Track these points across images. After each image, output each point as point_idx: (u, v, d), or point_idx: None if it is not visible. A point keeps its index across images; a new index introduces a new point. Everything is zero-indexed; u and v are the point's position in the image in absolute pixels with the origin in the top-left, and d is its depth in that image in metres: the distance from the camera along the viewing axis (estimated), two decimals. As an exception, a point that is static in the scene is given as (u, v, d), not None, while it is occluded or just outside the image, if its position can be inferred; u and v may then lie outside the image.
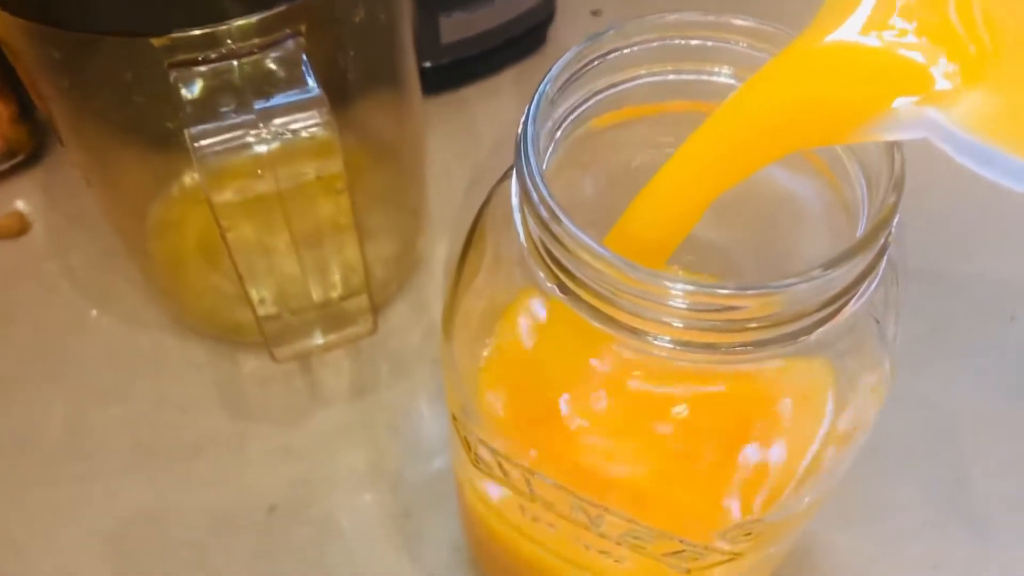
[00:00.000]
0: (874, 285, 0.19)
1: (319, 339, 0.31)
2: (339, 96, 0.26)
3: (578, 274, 0.18)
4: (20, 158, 0.42)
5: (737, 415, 0.20)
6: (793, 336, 0.18)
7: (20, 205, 0.42)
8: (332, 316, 0.31)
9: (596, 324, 0.19)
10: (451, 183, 0.43)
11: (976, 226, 0.41)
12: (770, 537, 0.22)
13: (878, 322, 0.21)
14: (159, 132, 0.32)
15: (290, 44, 0.25)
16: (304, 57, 0.25)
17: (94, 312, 0.39)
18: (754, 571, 0.24)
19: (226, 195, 0.25)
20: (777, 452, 0.21)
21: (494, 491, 0.25)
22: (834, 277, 0.18)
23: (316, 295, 0.30)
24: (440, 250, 0.41)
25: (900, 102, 0.17)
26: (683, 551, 0.22)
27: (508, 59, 0.46)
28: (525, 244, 0.20)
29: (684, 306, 0.17)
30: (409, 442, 0.36)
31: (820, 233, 0.24)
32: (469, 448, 0.24)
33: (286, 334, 0.31)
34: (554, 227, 0.18)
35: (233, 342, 0.38)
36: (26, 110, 0.41)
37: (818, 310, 0.18)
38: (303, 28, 0.26)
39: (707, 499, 0.21)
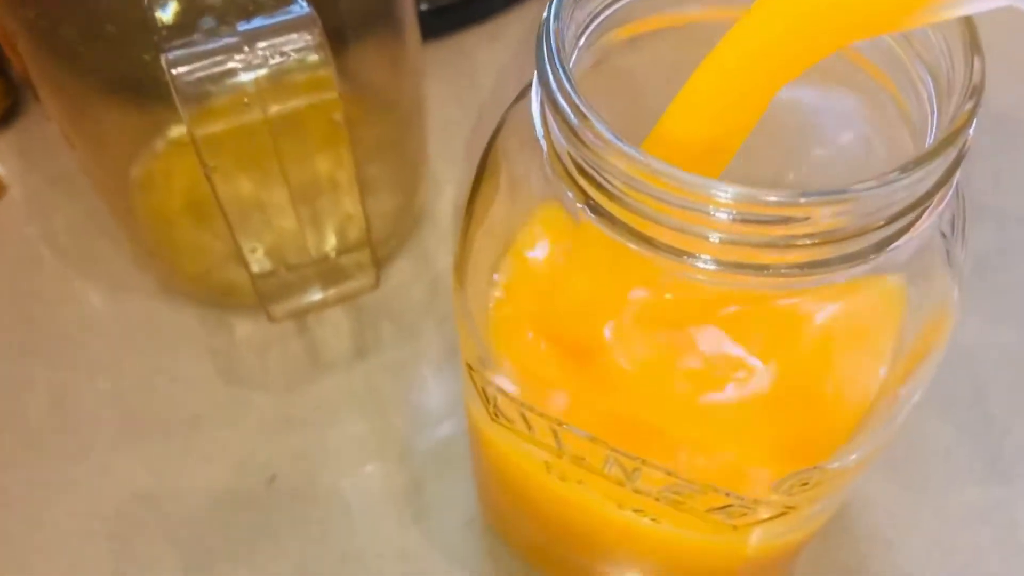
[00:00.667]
0: (948, 197, 0.17)
1: (317, 295, 0.29)
2: (332, 38, 0.23)
3: (612, 188, 0.16)
4: (-7, 119, 0.40)
5: (795, 348, 0.18)
6: (861, 255, 0.16)
7: (-5, 168, 0.39)
8: (331, 270, 0.29)
9: (633, 246, 0.16)
10: (452, 133, 0.40)
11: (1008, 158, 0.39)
12: (829, 487, 0.20)
13: (946, 238, 0.19)
14: (139, 80, 0.30)
15: (274, -42, 0.22)
16: (291, -28, 0.22)
17: (77, 279, 0.37)
18: (804, 527, 0.22)
19: (209, 128, 0.22)
20: (840, 388, 0.18)
21: (516, 448, 0.22)
22: (909, 183, 0.15)
23: (313, 247, 0.27)
24: (443, 203, 0.39)
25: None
26: (730, 506, 0.20)
27: (507, 1, 0.43)
28: (549, 163, 0.18)
29: (737, 219, 0.15)
30: (416, 407, 0.34)
31: (869, 158, 0.22)
32: (487, 401, 0.22)
33: (282, 291, 0.28)
34: (585, 134, 0.16)
35: (226, 306, 0.36)
36: (1, 69, 0.39)
37: (887, 224, 0.16)
38: (288, -56, 0.23)
39: (760, 445, 0.19)
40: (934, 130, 0.17)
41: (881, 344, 0.19)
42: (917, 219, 0.16)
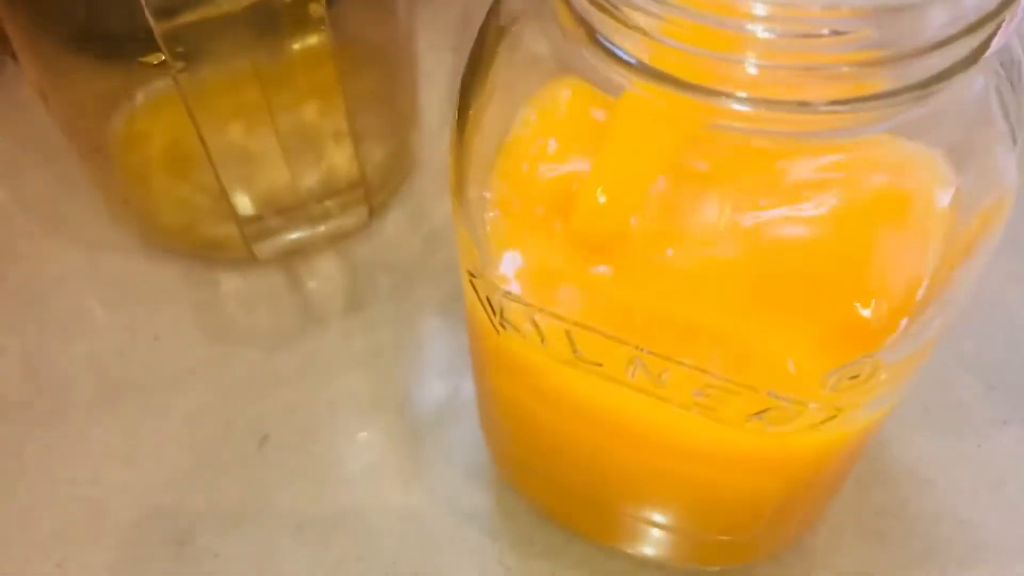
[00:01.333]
0: (1006, 38, 0.15)
1: (306, 232, 0.27)
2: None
3: (635, 23, 0.14)
4: (-40, 81, 0.38)
5: (837, 219, 0.16)
6: (909, 90, 0.14)
7: (-37, 130, 0.37)
8: (322, 210, 0.26)
9: (661, 87, 0.14)
10: (444, 81, 0.38)
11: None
12: (881, 383, 0.17)
13: (1005, 112, 0.17)
14: (116, 29, 0.28)
15: None
16: None
17: (51, 239, 0.35)
18: (853, 438, 0.20)
19: (169, 22, 0.20)
20: (889, 265, 0.16)
21: (526, 364, 0.20)
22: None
23: (302, 184, 0.25)
24: (436, 152, 0.36)
25: None
26: (770, 409, 0.18)
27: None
28: (561, 23, 0.16)
29: (773, 34, 0.13)
30: (414, 360, 0.32)
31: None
32: (493, 312, 0.19)
33: (269, 231, 0.26)
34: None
35: (210, 260, 0.34)
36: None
37: (938, 46, 0.14)
38: None
39: (804, 333, 0.16)
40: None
41: (930, 219, 0.16)
42: (975, 53, 0.14)
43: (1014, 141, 0.17)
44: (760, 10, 0.13)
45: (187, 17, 0.20)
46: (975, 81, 0.15)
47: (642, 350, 0.17)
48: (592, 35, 0.15)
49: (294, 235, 0.27)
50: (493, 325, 0.20)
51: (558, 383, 0.20)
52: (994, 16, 0.14)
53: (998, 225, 0.18)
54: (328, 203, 0.26)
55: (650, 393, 0.18)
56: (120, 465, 0.30)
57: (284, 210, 0.26)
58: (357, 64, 0.31)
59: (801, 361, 0.17)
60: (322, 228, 0.27)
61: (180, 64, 0.21)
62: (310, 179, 0.26)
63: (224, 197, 0.25)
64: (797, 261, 0.16)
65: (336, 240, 0.28)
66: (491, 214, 0.19)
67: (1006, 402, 0.29)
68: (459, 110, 0.19)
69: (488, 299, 0.19)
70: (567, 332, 0.18)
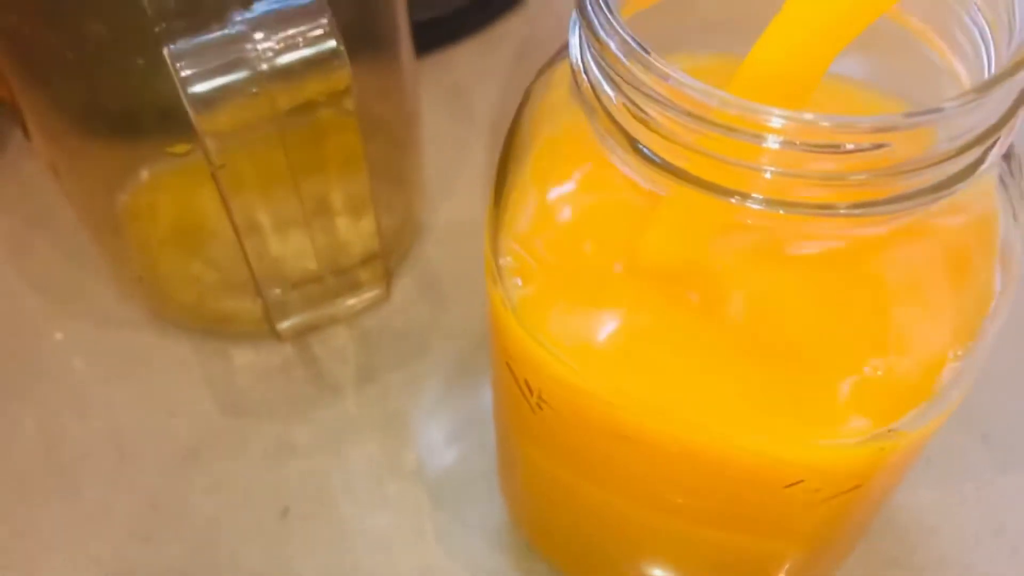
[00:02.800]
0: (1010, 140, 0.16)
1: (327, 309, 0.27)
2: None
3: (670, 132, 0.15)
4: (-36, 160, 0.38)
5: (874, 285, 0.17)
6: (926, 192, 0.15)
7: (-31, 209, 0.37)
8: (341, 285, 0.27)
9: (669, 181, 0.15)
10: (445, 147, 0.39)
11: None
12: (909, 446, 0.19)
13: (1005, 186, 0.18)
14: (127, 103, 0.29)
15: (278, -57, 0.21)
16: (296, -44, 0.21)
17: (61, 316, 0.35)
18: (878, 495, 0.21)
19: (216, 124, 0.21)
20: (913, 339, 0.17)
21: (563, 438, 0.21)
22: (986, 103, 0.15)
23: (323, 260, 0.26)
24: (440, 217, 0.37)
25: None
26: (803, 480, 0.19)
27: (490, 16, 0.43)
28: (593, 116, 0.17)
29: (812, 149, 0.14)
30: (429, 426, 0.32)
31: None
32: (530, 392, 0.20)
33: (289, 307, 0.27)
34: (641, 72, 0.15)
35: (222, 334, 0.34)
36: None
37: (957, 155, 0.15)
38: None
39: (835, 406, 0.18)
40: (991, 63, 0.17)
41: (938, 296, 0.18)
42: (984, 153, 0.16)
43: (1015, 219, 0.18)
44: (790, 129, 0.14)
45: (228, 116, 0.21)
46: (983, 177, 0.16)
47: (680, 426, 0.18)
48: (634, 144, 0.16)
49: (317, 311, 0.27)
50: (529, 404, 0.21)
51: (595, 455, 0.21)
52: (999, 127, 0.15)
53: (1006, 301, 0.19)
54: (349, 277, 0.27)
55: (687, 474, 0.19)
56: (139, 540, 0.30)
57: (308, 286, 0.27)
58: (374, 139, 0.32)
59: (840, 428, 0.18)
60: (343, 303, 0.28)
61: (219, 161, 0.22)
62: (334, 254, 0.26)
63: (249, 275, 0.26)
64: (825, 334, 0.17)
65: (357, 314, 0.29)
66: (526, 289, 0.19)
67: (1000, 451, 0.31)
68: (495, 194, 0.20)
69: (526, 381, 0.20)
70: (605, 411, 0.19)
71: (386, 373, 0.33)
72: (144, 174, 0.34)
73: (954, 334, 0.17)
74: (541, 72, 0.21)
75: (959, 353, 0.17)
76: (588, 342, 0.18)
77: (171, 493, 0.31)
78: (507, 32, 0.43)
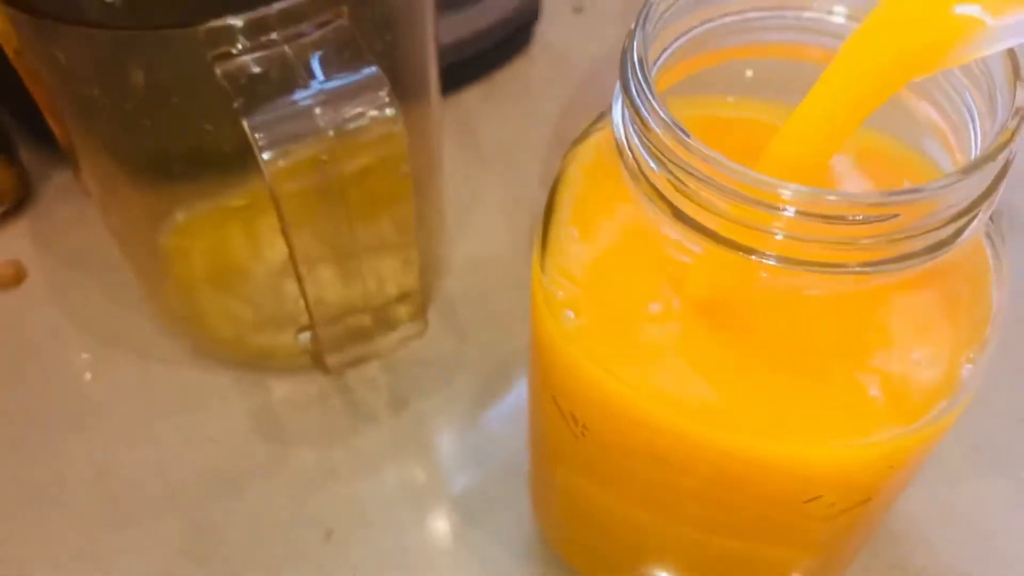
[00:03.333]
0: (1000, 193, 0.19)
1: (372, 344, 0.30)
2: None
3: (705, 201, 0.18)
4: (6, 207, 0.40)
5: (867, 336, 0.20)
6: (926, 252, 0.18)
7: (13, 253, 0.39)
8: (384, 320, 0.30)
9: (731, 251, 0.18)
10: (458, 186, 0.42)
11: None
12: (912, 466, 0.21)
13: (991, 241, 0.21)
14: (179, 154, 0.31)
15: (340, 24, 0.24)
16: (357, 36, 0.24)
17: (107, 352, 0.37)
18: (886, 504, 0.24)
19: (288, 186, 0.23)
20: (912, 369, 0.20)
21: (605, 463, 0.23)
22: (966, 184, 0.17)
23: (371, 298, 0.28)
24: (458, 253, 0.40)
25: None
26: (822, 496, 0.21)
27: (499, 60, 0.46)
28: (638, 183, 0.19)
29: (808, 216, 0.17)
30: (458, 449, 0.35)
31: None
32: (575, 422, 0.23)
33: (338, 342, 0.29)
34: (680, 151, 0.17)
35: (260, 368, 0.36)
36: (14, 156, 0.39)
37: (949, 222, 0.18)
38: (345, 11, 0.25)
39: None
40: (978, 144, 0.19)
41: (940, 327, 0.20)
42: (968, 222, 0.18)
43: (998, 258, 0.21)
44: (808, 203, 0.17)
45: (298, 179, 0.24)
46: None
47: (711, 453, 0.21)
48: (675, 210, 0.19)
49: (364, 345, 0.30)
50: (572, 433, 0.23)
51: (633, 476, 0.23)
52: (989, 194, 0.18)
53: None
54: (391, 313, 0.30)
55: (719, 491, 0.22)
56: (190, 562, 0.32)
57: (356, 323, 0.29)
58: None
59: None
60: (387, 337, 0.30)
61: (288, 215, 0.24)
62: (380, 292, 0.29)
63: (305, 311, 0.28)
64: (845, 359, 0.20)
65: (395, 348, 0.32)
66: (578, 321, 0.22)
67: (990, 460, 0.33)
68: (542, 240, 0.23)
69: (572, 414, 0.23)
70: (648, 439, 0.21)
71: (416, 401, 0.36)
72: (184, 216, 0.36)
73: (967, 339, 0.20)
74: (585, 135, 0.24)
75: (971, 356, 0.20)
76: (635, 365, 0.20)
77: (218, 518, 0.33)
78: (512, 76, 0.46)
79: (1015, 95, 0.18)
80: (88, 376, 0.37)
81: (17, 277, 0.39)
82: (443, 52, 0.42)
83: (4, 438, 0.35)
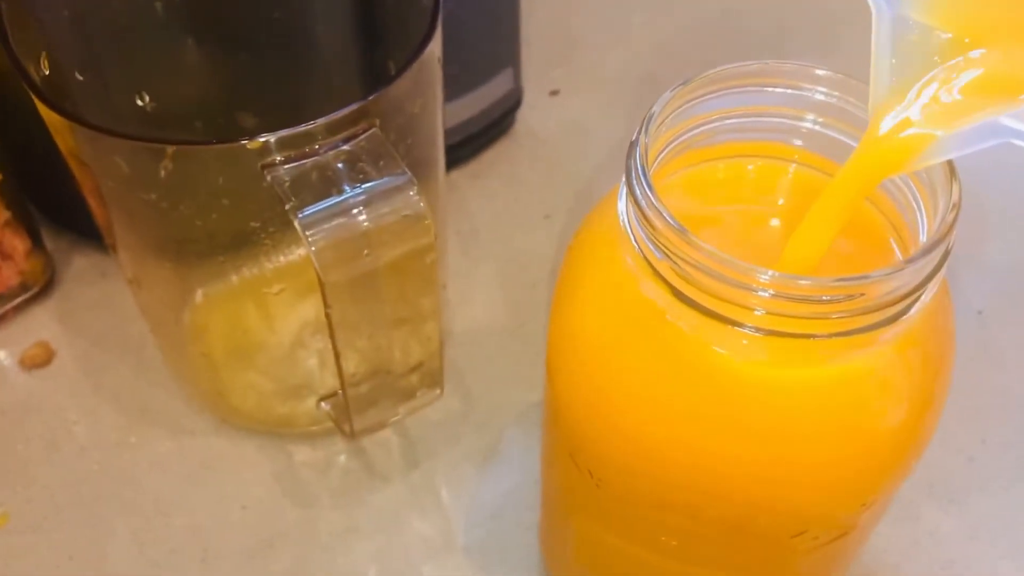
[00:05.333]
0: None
1: (396, 409, 0.33)
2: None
3: (702, 284, 0.22)
4: (34, 291, 0.43)
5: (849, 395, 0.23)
6: (888, 321, 0.22)
7: (41, 335, 0.42)
8: (405, 387, 0.33)
9: (687, 309, 0.22)
10: (456, 259, 0.45)
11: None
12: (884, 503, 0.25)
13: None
14: (198, 240, 0.34)
15: (374, 134, 0.28)
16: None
17: (138, 428, 0.40)
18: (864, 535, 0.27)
19: (335, 276, 0.27)
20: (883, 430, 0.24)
21: (615, 515, 0.27)
22: (911, 270, 0.21)
23: (396, 367, 0.32)
24: (459, 322, 0.43)
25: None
26: (807, 531, 0.25)
27: (485, 143, 0.50)
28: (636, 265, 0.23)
29: (780, 296, 0.21)
30: (470, 504, 0.38)
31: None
32: (591, 475, 0.26)
33: (363, 408, 0.33)
34: (679, 242, 0.21)
35: (281, 435, 0.39)
36: (38, 242, 0.42)
37: (899, 301, 0.22)
38: (376, 122, 0.28)
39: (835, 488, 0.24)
40: (925, 234, 0.23)
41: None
42: (918, 297, 0.22)
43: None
44: (766, 279, 0.21)
45: (343, 270, 0.27)
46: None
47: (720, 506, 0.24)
48: (678, 293, 0.22)
49: (388, 411, 0.33)
50: (588, 487, 0.27)
51: (645, 523, 0.26)
52: (939, 268, 0.22)
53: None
54: (410, 380, 0.33)
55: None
56: (228, 623, 0.35)
57: (381, 389, 0.32)
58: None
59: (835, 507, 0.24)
60: (405, 405, 0.33)
61: (333, 302, 0.27)
62: (403, 361, 0.32)
63: (322, 378, 0.32)
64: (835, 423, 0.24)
65: (413, 413, 0.35)
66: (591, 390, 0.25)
67: (946, 494, 0.37)
68: (555, 318, 0.26)
69: (590, 470, 0.26)
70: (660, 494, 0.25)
71: (428, 461, 0.39)
72: (204, 293, 0.39)
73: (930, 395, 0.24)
74: (588, 223, 0.27)
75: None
76: (648, 430, 0.24)
77: (253, 578, 0.36)
78: (497, 156, 0.50)
79: (951, 192, 0.22)
80: (124, 450, 0.39)
81: (46, 358, 0.41)
82: (437, 137, 0.46)
83: (45, 512, 0.37)
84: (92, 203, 0.33)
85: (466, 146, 0.49)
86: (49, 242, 0.44)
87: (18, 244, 0.41)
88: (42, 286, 0.43)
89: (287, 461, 0.39)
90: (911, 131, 0.21)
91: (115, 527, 0.37)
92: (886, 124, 0.22)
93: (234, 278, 0.40)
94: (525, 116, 0.51)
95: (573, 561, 0.32)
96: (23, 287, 0.42)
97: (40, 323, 0.43)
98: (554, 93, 0.53)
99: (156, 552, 0.36)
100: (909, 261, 0.21)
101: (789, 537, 0.25)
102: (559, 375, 0.26)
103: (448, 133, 0.47)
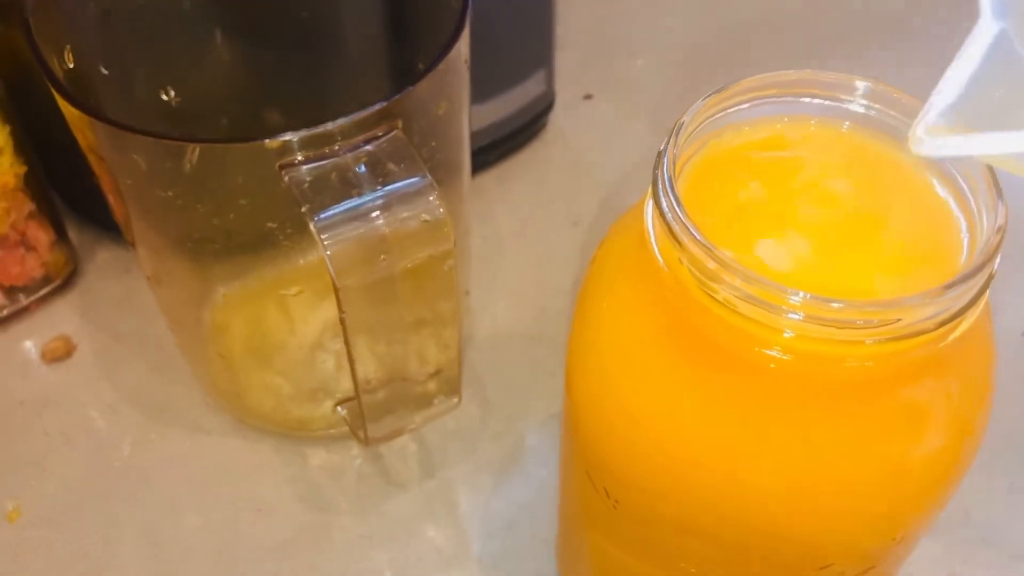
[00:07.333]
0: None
1: (412, 417, 0.32)
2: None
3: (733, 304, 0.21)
4: (57, 283, 0.43)
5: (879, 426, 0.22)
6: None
7: (63, 328, 0.42)
8: (422, 394, 0.32)
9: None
10: (480, 264, 0.45)
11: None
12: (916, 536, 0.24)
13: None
14: (218, 239, 0.34)
15: (396, 136, 0.27)
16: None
17: (154, 426, 0.39)
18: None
19: (350, 281, 0.26)
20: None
21: (631, 535, 0.26)
22: (946, 298, 0.20)
23: (414, 374, 0.31)
24: (481, 329, 0.43)
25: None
26: (832, 565, 0.24)
27: (515, 147, 0.49)
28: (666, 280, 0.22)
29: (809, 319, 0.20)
30: (485, 515, 0.37)
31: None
32: (607, 495, 0.25)
33: (380, 414, 0.32)
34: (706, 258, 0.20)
35: (298, 438, 0.39)
36: (63, 235, 0.42)
37: (938, 327, 0.21)
38: (399, 123, 0.28)
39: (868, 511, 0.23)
40: (967, 254, 0.22)
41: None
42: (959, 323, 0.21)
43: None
44: (817, 309, 0.19)
45: (358, 274, 0.26)
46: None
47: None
48: (705, 310, 0.21)
49: (403, 418, 0.32)
50: (605, 506, 0.26)
51: (661, 544, 0.25)
52: (981, 293, 0.21)
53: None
54: (428, 387, 0.32)
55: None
56: (237, 627, 0.34)
57: (398, 396, 0.32)
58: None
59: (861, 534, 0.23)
60: (422, 413, 0.33)
61: (347, 307, 0.27)
62: (421, 368, 0.31)
63: (340, 382, 0.31)
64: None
65: (430, 421, 0.34)
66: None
67: (984, 524, 0.36)
68: (578, 326, 0.26)
69: (606, 489, 0.25)
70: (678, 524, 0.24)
71: (444, 469, 0.38)
72: (225, 292, 0.39)
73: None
74: (614, 232, 0.26)
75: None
76: (668, 452, 0.23)
77: (264, 582, 0.35)
78: (527, 160, 0.49)
79: (997, 214, 0.21)
80: (139, 449, 0.39)
81: (67, 351, 0.41)
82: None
83: (58, 506, 0.37)
84: (111, 199, 0.32)
85: (495, 149, 0.48)
86: (73, 235, 0.44)
87: (42, 236, 0.41)
88: (65, 279, 0.43)
89: (302, 464, 0.38)
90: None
91: (128, 525, 0.37)
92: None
93: (253, 278, 0.39)
94: (557, 120, 0.51)
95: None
96: (46, 279, 0.42)
97: (62, 316, 0.43)
98: (588, 97, 0.52)
99: (169, 552, 0.36)
100: (949, 286, 0.20)
101: (814, 570, 0.24)
102: (577, 387, 0.25)
103: (476, 136, 0.46)
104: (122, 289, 0.44)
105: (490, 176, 0.48)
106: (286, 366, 0.40)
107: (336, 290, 0.27)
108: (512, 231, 0.47)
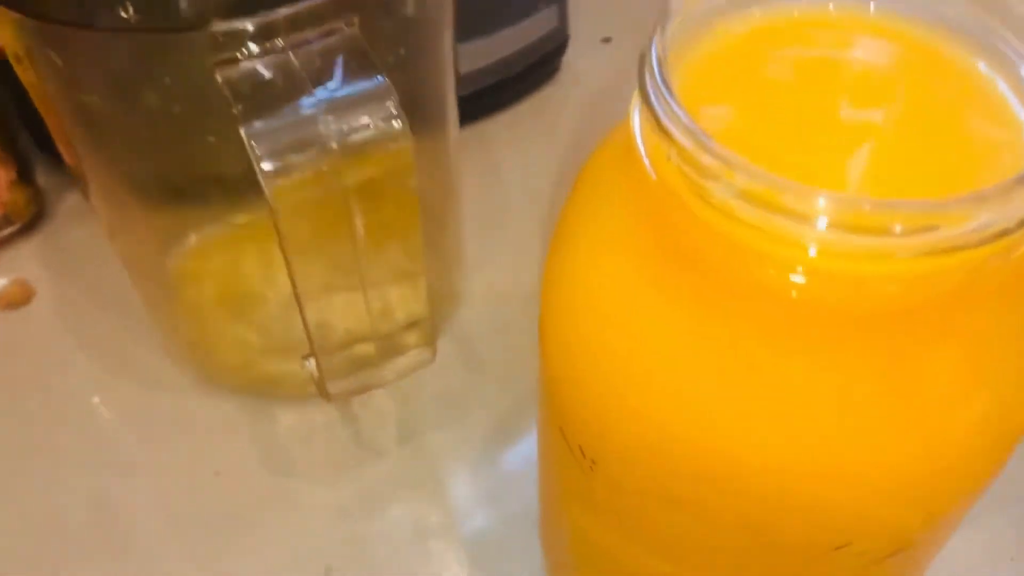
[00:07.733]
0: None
1: (377, 371, 0.28)
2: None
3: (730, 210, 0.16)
4: (17, 226, 0.39)
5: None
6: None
7: (22, 273, 0.39)
8: (390, 347, 0.28)
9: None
10: (479, 217, 0.41)
11: None
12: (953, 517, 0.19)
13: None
14: (185, 175, 0.30)
15: (348, 31, 0.23)
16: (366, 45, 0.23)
17: (110, 380, 0.36)
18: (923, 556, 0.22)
19: (289, 200, 0.22)
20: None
21: (614, 500, 0.22)
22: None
23: (376, 323, 0.27)
24: (476, 285, 0.39)
25: None
26: (851, 543, 0.19)
27: (525, 89, 0.45)
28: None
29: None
30: (467, 487, 0.33)
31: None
32: (583, 455, 0.21)
33: (341, 369, 0.28)
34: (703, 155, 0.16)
35: (267, 396, 0.35)
36: (25, 174, 0.39)
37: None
38: (356, 20, 0.24)
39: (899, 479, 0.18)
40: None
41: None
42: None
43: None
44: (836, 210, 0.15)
45: (298, 192, 0.22)
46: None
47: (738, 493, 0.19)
48: (705, 225, 0.17)
49: (367, 373, 0.28)
50: (581, 468, 0.22)
51: (645, 518, 0.21)
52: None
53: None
54: (397, 340, 0.28)
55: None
56: (187, 600, 0.31)
57: (359, 350, 0.28)
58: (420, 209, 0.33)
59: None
60: (392, 365, 0.29)
61: (287, 231, 0.23)
62: (385, 318, 0.28)
63: (305, 339, 0.27)
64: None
65: (401, 377, 0.30)
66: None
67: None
68: (552, 263, 0.21)
69: (580, 447, 0.21)
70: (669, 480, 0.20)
71: (425, 434, 0.34)
72: (193, 240, 0.35)
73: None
74: (597, 151, 0.22)
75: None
76: (646, 390, 0.19)
77: (218, 552, 0.31)
78: (538, 106, 0.45)
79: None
80: (91, 402, 0.35)
81: (24, 297, 0.38)
82: (467, 79, 0.42)
83: (2, 462, 0.34)
84: (57, 139, 0.29)
85: (504, 90, 0.44)
86: (43, 178, 0.41)
87: (1, 174, 0.38)
88: (27, 221, 0.40)
89: (270, 425, 0.35)
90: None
91: (75, 485, 0.33)
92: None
93: (228, 221, 0.36)
94: (572, 63, 0.46)
95: (571, 562, 0.27)
96: (6, 220, 0.39)
97: (23, 260, 0.39)
98: (606, 40, 0.48)
99: (115, 516, 0.32)
100: (1002, 187, 0.15)
101: (827, 551, 0.20)
102: (548, 324, 0.21)
103: (483, 73, 0.42)
104: (89, 236, 0.40)
105: (497, 122, 0.44)
106: (260, 318, 0.36)
107: (273, 212, 0.23)
108: (518, 182, 0.42)
